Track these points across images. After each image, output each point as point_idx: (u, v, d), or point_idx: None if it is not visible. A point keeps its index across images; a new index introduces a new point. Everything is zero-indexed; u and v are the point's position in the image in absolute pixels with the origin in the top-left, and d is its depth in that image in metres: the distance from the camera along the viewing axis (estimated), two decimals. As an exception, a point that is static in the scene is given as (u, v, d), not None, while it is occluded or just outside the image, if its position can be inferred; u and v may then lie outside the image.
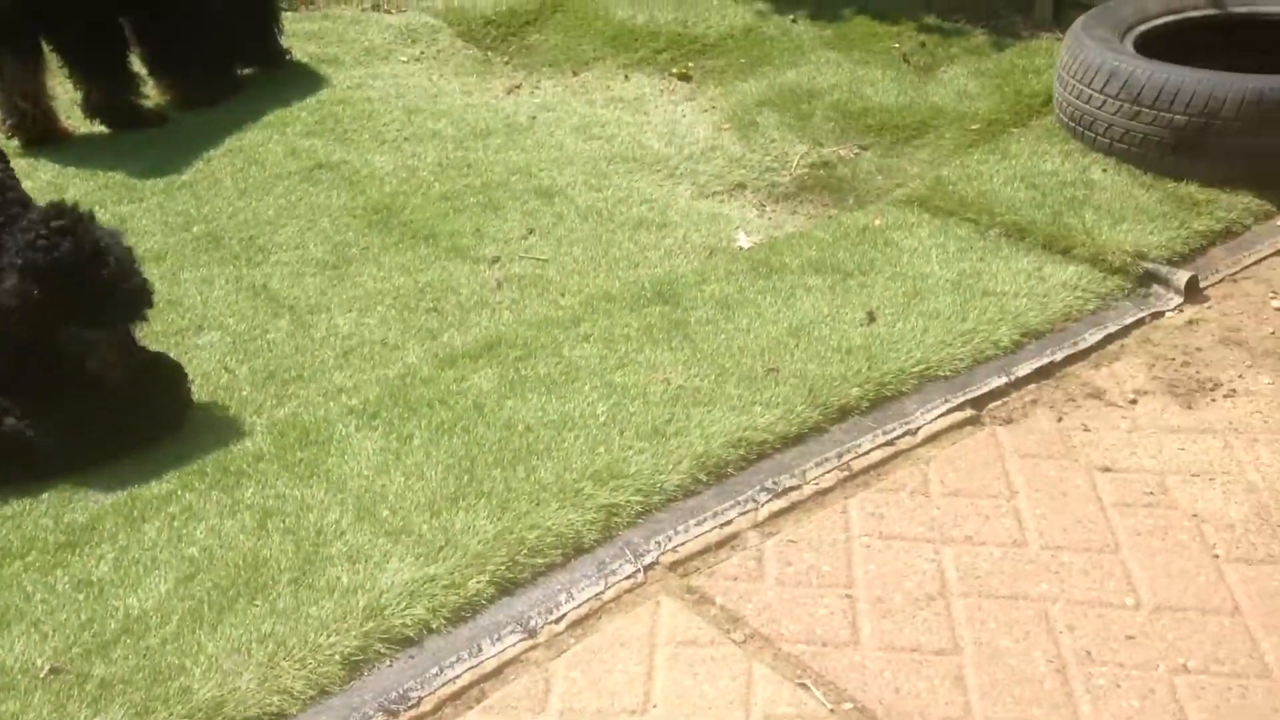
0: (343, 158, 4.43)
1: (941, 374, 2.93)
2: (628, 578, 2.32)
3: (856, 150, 4.50)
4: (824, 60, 5.14)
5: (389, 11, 6.07)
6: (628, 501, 2.46)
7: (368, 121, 4.74)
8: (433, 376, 2.91)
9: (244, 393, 3.06)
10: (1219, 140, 3.49)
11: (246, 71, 5.37)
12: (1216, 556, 2.32)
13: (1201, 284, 3.23)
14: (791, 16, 5.61)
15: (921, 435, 2.73)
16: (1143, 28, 4.06)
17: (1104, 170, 3.77)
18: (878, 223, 3.70)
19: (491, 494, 2.46)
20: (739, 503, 2.51)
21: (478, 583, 2.24)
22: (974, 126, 4.43)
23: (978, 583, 2.29)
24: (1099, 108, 3.75)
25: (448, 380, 2.88)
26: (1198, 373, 2.90)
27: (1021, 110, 4.41)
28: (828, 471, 2.62)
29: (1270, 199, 3.51)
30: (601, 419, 2.72)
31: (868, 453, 2.67)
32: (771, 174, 4.40)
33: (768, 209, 4.21)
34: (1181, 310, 3.16)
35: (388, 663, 2.12)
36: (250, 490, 2.52)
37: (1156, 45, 4.00)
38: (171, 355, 3.11)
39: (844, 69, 5.03)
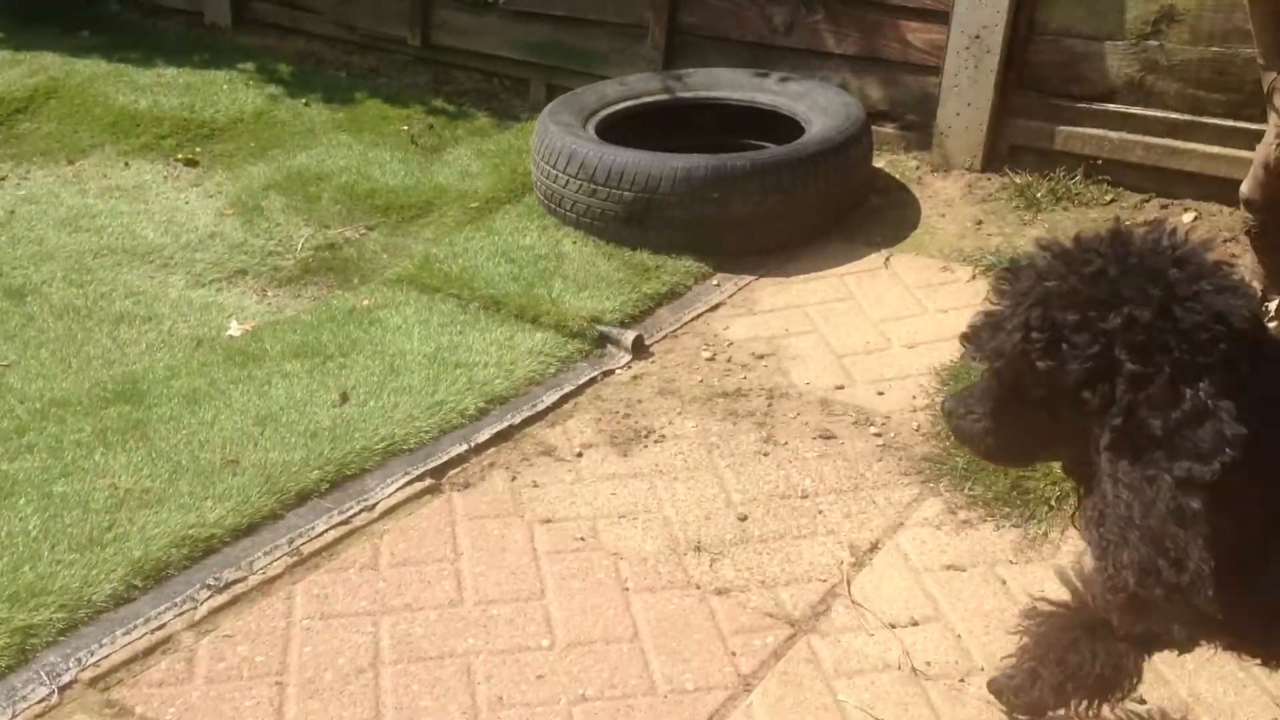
0: None
1: (407, 447, 3.06)
2: (40, 701, 2.20)
3: (363, 231, 4.61)
4: (335, 143, 5.23)
5: None
6: (49, 620, 2.35)
7: None
8: None
9: None
10: (660, 212, 3.94)
11: None
12: (627, 589, 2.59)
13: (647, 341, 3.61)
14: (304, 100, 5.66)
15: (379, 510, 2.83)
16: (605, 112, 4.50)
17: (573, 243, 4.12)
18: (366, 303, 3.81)
19: (-119, 635, 2.25)
20: (176, 604, 2.47)
21: None
22: (474, 204, 4.69)
23: (409, 648, 2.40)
24: (564, 186, 4.11)
25: None
26: (636, 423, 3.23)
27: (515, 188, 4.72)
28: (277, 559, 2.64)
29: (707, 262, 4.00)
30: (32, 534, 2.58)
31: (321, 534, 2.73)
32: (275, 258, 4.40)
33: (269, 294, 4.19)
34: (629, 367, 3.50)
35: None
36: None
37: (620, 128, 4.46)
38: None
39: (355, 151, 5.15)
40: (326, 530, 2.74)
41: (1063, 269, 1.54)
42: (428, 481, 2.94)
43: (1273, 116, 3.34)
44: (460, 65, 5.78)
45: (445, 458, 3.04)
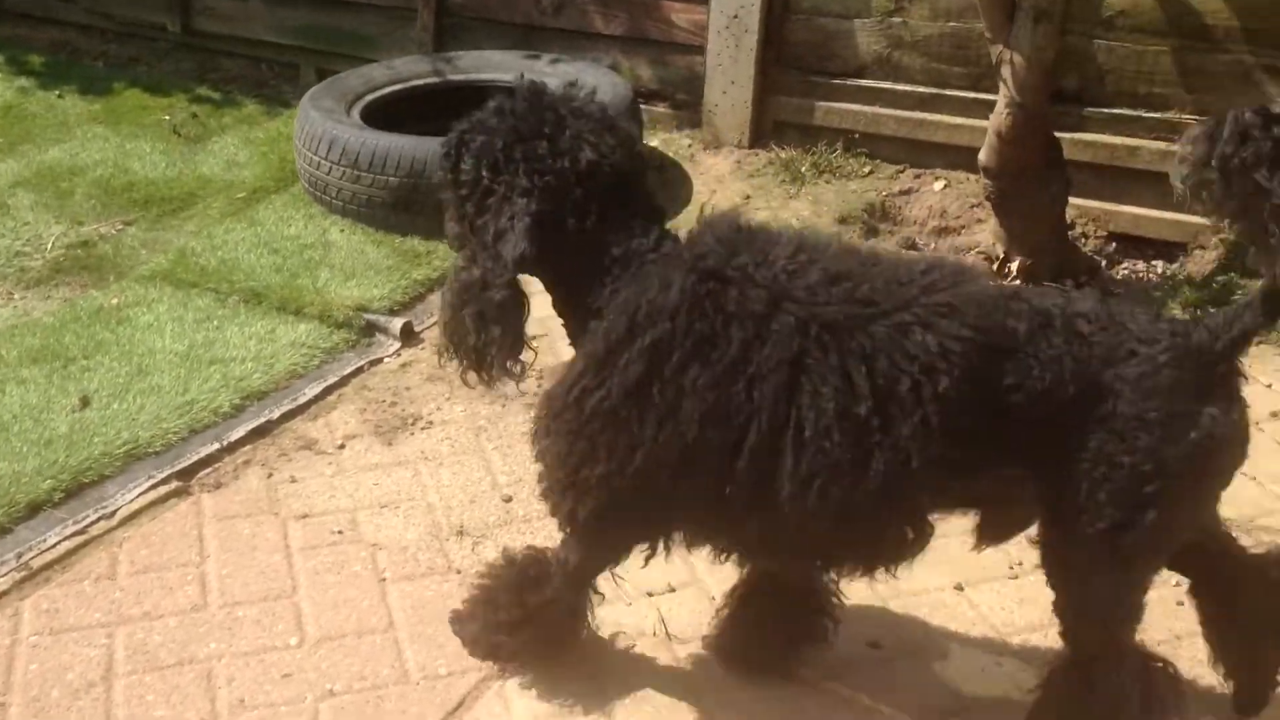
0: None
1: (152, 450, 2.91)
2: None
3: (119, 227, 4.37)
4: (91, 135, 4.95)
5: None
6: None
7: None
8: None
9: None
10: (428, 197, 3.85)
11: None
12: (384, 580, 2.54)
13: (417, 328, 3.55)
14: (58, 91, 5.33)
15: (119, 517, 2.69)
16: (371, 97, 4.40)
17: (341, 231, 4.01)
18: (115, 301, 3.61)
19: None
20: (-116, 633, 2.29)
21: None
22: (240, 195, 4.50)
23: (146, 657, 2.29)
24: (328, 174, 3.99)
25: None
26: (403, 410, 3.17)
27: (285, 177, 4.56)
28: (3, 575, 2.47)
29: (479, 245, 3.96)
30: None
31: (53, 546, 2.57)
32: (22, 259, 4.12)
33: (16, 297, 3.92)
34: (399, 355, 3.44)
35: None
36: None
37: (387, 112, 4.36)
38: None
39: (111, 143, 4.88)
40: (59, 542, 2.58)
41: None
42: (174, 484, 2.81)
43: (1002, 87, 3.55)
44: (226, 52, 5.55)
45: (195, 458, 2.91)
